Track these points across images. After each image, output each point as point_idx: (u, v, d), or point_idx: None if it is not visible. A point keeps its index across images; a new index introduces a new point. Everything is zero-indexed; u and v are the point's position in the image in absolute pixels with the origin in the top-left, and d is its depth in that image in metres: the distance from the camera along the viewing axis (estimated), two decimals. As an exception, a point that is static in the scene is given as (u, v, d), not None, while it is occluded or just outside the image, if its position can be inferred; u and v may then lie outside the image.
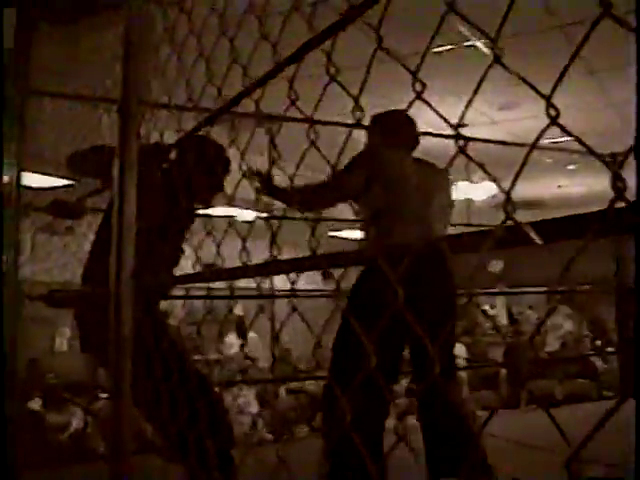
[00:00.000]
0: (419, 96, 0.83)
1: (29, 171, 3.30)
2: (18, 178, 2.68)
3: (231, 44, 1.39)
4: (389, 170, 3.01)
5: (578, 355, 9.16)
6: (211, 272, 1.23)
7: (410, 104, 0.87)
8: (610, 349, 8.75)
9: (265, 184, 2.85)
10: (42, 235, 4.51)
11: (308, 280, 8.92)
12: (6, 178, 2.81)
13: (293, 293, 2.02)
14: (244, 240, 1.13)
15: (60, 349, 8.25)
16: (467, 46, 5.04)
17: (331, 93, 1.09)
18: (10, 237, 2.67)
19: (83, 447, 5.60)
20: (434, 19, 0.87)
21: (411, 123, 3.29)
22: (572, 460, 0.62)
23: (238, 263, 1.23)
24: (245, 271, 1.12)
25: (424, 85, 0.83)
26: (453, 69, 5.35)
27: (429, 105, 0.83)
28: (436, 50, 5.09)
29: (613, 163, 0.62)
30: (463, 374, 8.00)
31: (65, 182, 5.12)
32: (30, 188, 3.02)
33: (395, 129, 3.23)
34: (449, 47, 5.07)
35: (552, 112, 0.65)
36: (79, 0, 3.51)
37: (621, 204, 0.62)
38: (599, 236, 0.63)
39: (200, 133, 2.75)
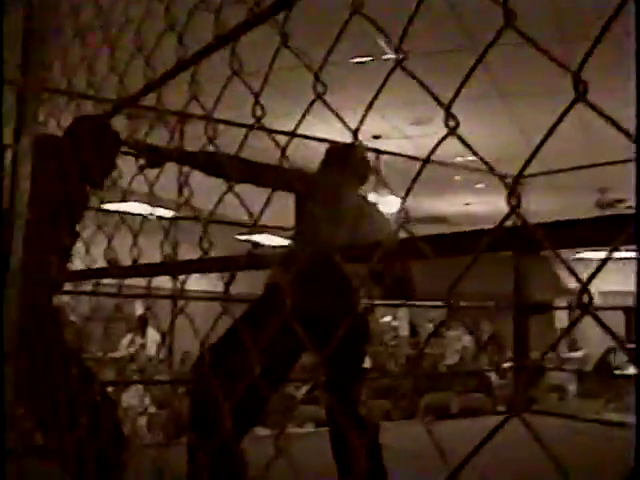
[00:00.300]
0: (320, 97, 0.81)
1: None
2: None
3: (137, 32, 1.35)
4: (323, 197, 2.98)
5: (475, 369, 9.40)
6: (97, 270, 1.18)
7: (310, 104, 0.85)
8: (507, 364, 9.01)
9: (151, 155, 2.75)
10: None
11: (211, 282, 8.82)
12: None
13: (180, 294, 1.98)
14: (135, 236, 1.10)
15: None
16: (385, 59, 5.09)
17: (238, 94, 1.07)
18: None
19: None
20: (354, 27, 0.86)
21: (363, 160, 3.34)
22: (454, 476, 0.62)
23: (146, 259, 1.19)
24: (134, 271, 1.07)
25: (325, 86, 0.81)
26: (371, 81, 5.39)
27: (328, 107, 0.82)
28: (356, 61, 5.13)
29: (512, 182, 0.63)
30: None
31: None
32: None
33: (345, 162, 3.25)
34: (369, 59, 5.12)
35: (451, 123, 0.64)
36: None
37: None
38: (490, 250, 0.63)
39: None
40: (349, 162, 3.33)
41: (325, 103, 0.80)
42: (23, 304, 1.70)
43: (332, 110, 0.78)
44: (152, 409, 6.46)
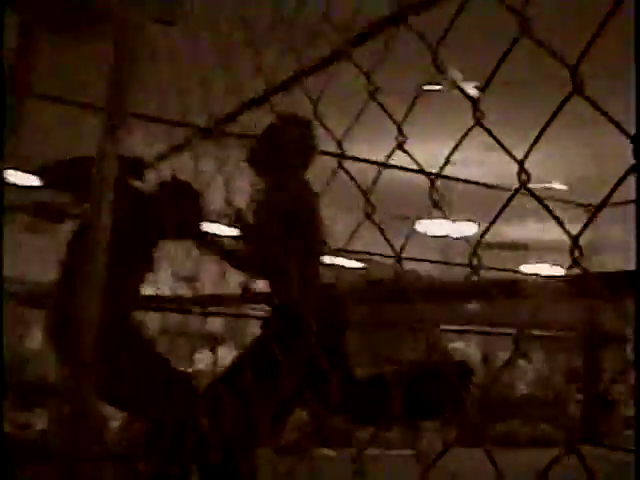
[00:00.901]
0: (400, 146, 0.91)
1: (16, 169, 3.36)
2: (1, 176, 2.73)
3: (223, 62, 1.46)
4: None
5: (548, 399, 9.21)
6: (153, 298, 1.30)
7: (391, 153, 0.94)
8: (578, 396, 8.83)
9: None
10: (24, 234, 4.55)
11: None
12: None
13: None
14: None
15: (30, 347, 8.23)
16: (459, 88, 5.14)
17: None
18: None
19: (45, 447, 5.59)
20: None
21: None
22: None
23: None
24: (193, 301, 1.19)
25: (401, 132, 0.90)
26: (446, 109, 5.46)
27: (406, 153, 0.89)
28: (431, 89, 5.21)
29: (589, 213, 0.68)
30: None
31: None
32: (14, 185, 3.07)
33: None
34: (441, 88, 5.19)
35: (523, 174, 0.69)
36: (78, 9, 3.59)
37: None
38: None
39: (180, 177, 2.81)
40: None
41: (404, 150, 0.88)
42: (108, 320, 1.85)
43: (407, 153, 0.86)
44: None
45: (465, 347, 12.01)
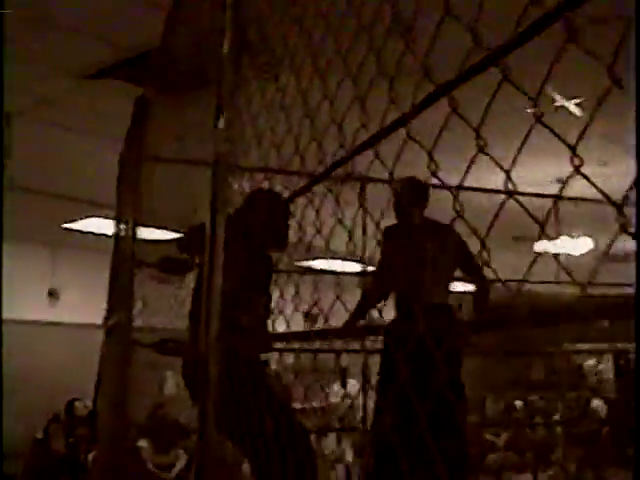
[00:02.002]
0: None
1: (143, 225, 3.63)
2: (134, 233, 2.99)
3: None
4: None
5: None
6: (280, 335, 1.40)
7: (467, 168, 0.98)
8: None
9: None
10: (151, 283, 4.83)
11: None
12: (123, 233, 3.13)
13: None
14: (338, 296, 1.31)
15: (169, 393, 8.59)
16: (557, 107, 5.14)
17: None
18: (125, 288, 2.98)
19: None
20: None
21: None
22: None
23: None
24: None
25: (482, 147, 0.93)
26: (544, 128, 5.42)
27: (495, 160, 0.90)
28: (529, 110, 5.20)
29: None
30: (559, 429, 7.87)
31: (172, 235, 5.47)
32: (142, 240, 3.32)
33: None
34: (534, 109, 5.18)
35: (576, 162, 0.75)
36: (188, 73, 3.86)
37: None
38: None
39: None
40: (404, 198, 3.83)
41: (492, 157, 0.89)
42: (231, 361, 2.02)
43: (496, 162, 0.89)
44: (349, 457, 6.66)
45: (598, 364, 11.64)
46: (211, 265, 1.38)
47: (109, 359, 3.79)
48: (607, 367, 11.68)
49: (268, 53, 3.33)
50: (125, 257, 3.34)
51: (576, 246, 7.23)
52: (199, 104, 3.83)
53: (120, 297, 3.34)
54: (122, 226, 3.88)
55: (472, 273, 3.80)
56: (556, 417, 9.04)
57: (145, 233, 3.75)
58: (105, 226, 7.23)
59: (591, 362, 11.71)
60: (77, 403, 8.00)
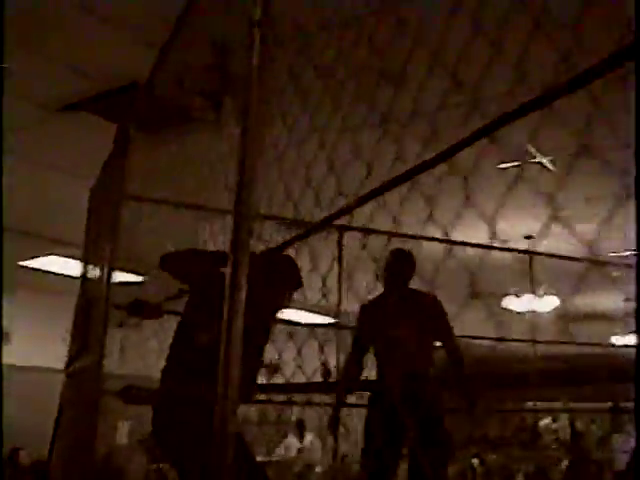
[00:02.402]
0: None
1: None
2: (109, 277, 2.84)
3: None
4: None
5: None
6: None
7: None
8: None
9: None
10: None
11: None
12: (92, 274, 2.98)
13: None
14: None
15: (121, 442, 8.32)
16: (533, 162, 5.15)
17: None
18: (98, 332, 2.81)
19: None
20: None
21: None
22: None
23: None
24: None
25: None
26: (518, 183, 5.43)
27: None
28: (503, 166, 5.22)
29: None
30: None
31: (138, 279, 5.31)
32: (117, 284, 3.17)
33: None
34: (516, 163, 5.19)
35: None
36: (169, 109, 3.77)
37: None
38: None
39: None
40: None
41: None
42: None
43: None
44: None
45: (554, 423, 11.62)
46: (230, 314, 1.26)
47: (71, 405, 3.59)
48: (563, 426, 11.67)
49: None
50: (96, 300, 3.18)
51: (542, 304, 7.25)
52: (183, 141, 3.74)
53: (88, 341, 3.17)
54: (91, 267, 3.72)
55: (447, 342, 4.02)
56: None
57: (116, 275, 3.60)
58: (67, 265, 6.99)
59: (546, 421, 11.70)
60: (22, 452, 7.69)
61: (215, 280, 2.81)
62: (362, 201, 1.54)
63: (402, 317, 3.68)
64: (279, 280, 2.85)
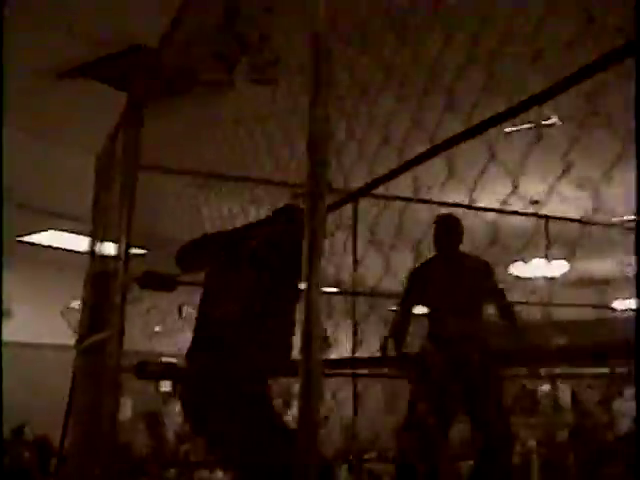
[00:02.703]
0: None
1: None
2: (127, 250, 2.74)
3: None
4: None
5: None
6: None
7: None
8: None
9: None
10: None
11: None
12: (115, 251, 2.87)
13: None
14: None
15: (125, 418, 8.28)
16: (546, 125, 5.06)
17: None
18: (116, 307, 2.72)
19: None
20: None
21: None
22: None
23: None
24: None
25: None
26: (529, 146, 5.33)
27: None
28: (517, 128, 5.12)
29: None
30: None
31: (141, 251, 5.20)
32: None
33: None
34: (527, 126, 5.10)
35: None
36: (180, 73, 3.65)
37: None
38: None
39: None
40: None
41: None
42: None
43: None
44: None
45: (553, 389, 11.66)
46: (309, 285, 1.18)
47: (87, 381, 3.51)
48: (563, 393, 11.68)
49: (268, 53, 3.15)
50: (109, 274, 3.10)
51: (551, 269, 7.18)
52: (194, 107, 3.61)
53: (102, 316, 3.09)
54: (101, 241, 3.62)
55: (498, 301, 4.24)
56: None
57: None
58: (67, 239, 6.86)
59: (545, 387, 11.71)
60: (26, 428, 7.67)
61: (238, 252, 2.75)
62: (399, 171, 1.48)
63: (453, 278, 3.87)
64: None
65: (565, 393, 11.75)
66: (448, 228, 4.30)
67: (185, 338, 2.92)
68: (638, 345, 0.91)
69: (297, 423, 1.19)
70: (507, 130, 5.10)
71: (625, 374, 10.05)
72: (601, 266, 9.68)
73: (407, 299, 4.30)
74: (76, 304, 5.87)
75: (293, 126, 2.15)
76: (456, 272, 3.99)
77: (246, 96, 3.09)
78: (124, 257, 2.71)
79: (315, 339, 1.16)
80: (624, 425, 9.57)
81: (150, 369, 3.45)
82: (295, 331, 2.68)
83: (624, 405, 9.83)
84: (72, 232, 6.60)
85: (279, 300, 2.57)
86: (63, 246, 7.13)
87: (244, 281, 2.55)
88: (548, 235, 5.14)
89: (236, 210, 3.25)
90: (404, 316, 4.30)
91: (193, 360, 2.77)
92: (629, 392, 9.94)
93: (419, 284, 4.18)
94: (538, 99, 1.11)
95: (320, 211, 1.24)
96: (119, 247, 2.75)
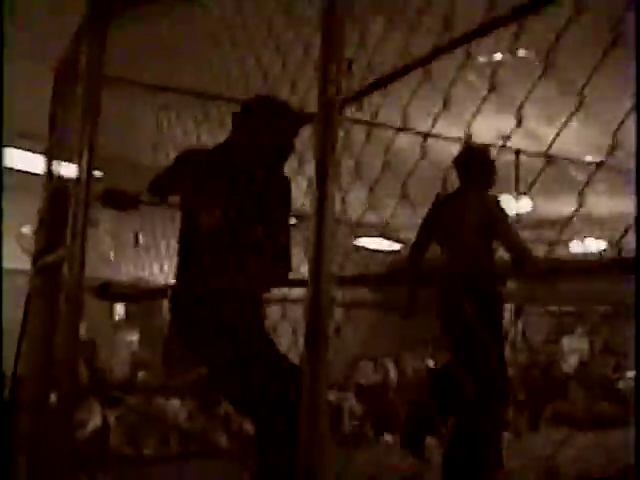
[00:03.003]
0: None
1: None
2: (89, 168, 2.60)
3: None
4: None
5: (600, 376, 9.02)
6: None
7: None
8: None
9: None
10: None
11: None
12: (74, 172, 2.72)
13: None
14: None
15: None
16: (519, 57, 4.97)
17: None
18: (78, 227, 2.60)
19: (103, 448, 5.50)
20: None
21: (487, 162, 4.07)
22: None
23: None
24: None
25: None
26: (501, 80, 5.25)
27: None
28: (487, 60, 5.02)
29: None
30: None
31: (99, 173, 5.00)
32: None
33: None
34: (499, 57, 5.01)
35: None
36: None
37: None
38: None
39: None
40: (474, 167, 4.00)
41: None
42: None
43: None
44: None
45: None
46: (320, 214, 1.11)
47: (42, 303, 3.39)
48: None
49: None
50: (66, 194, 2.95)
51: (517, 206, 7.18)
52: (166, 17, 3.41)
53: (59, 236, 2.95)
54: (59, 160, 3.45)
55: (505, 239, 3.91)
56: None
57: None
58: (17, 160, 6.58)
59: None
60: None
61: (213, 165, 2.64)
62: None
63: (462, 215, 3.78)
64: None
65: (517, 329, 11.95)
66: (485, 165, 4.08)
67: (140, 266, 2.85)
68: (637, 339, 0.89)
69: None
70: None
71: (577, 313, 10.27)
72: (560, 207, 9.74)
73: (425, 227, 4.10)
74: (28, 229, 5.68)
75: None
76: (466, 208, 3.84)
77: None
78: (86, 177, 2.56)
79: (324, 275, 1.09)
80: (573, 361, 9.83)
81: (112, 291, 3.35)
82: (290, 241, 2.60)
83: (574, 342, 10.07)
84: (24, 150, 6.35)
85: (269, 205, 2.46)
86: (15, 166, 6.83)
87: (227, 188, 2.45)
88: (518, 170, 5.10)
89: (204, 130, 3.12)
90: (420, 247, 4.15)
91: (182, 280, 2.69)
92: (579, 330, 10.17)
93: (436, 214, 4.01)
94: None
95: (333, 125, 1.15)
96: (80, 167, 2.60)
